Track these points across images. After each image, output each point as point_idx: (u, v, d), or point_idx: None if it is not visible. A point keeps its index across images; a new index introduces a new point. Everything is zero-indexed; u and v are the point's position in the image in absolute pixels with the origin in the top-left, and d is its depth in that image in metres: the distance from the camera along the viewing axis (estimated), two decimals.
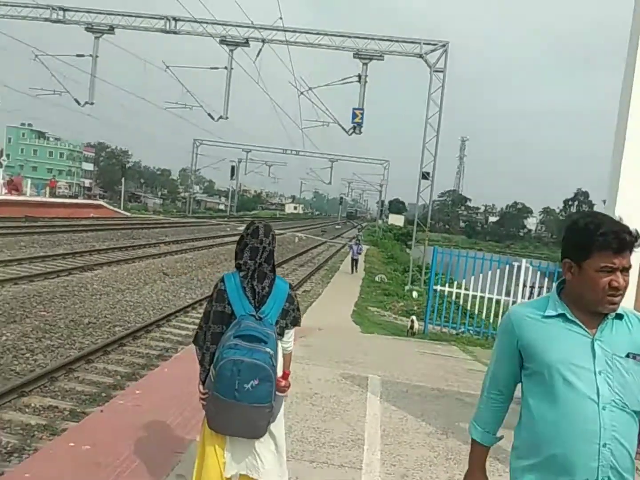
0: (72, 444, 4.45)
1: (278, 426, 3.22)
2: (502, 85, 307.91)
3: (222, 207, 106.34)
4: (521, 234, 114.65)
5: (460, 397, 6.45)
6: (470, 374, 8.15)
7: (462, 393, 6.64)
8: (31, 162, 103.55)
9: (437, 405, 5.98)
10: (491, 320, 14.01)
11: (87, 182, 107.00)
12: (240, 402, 2.90)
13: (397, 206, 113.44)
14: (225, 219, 66.59)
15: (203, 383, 3.17)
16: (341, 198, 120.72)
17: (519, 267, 13.67)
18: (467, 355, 11.28)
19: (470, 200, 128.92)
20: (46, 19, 28.73)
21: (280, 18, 24.25)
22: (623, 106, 3.97)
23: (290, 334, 3.29)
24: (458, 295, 14.38)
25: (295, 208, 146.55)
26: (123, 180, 61.40)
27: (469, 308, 14.45)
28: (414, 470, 4.45)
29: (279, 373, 3.11)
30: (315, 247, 43.17)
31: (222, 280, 3.27)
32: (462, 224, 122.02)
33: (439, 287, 14.39)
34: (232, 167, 72.25)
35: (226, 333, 3.08)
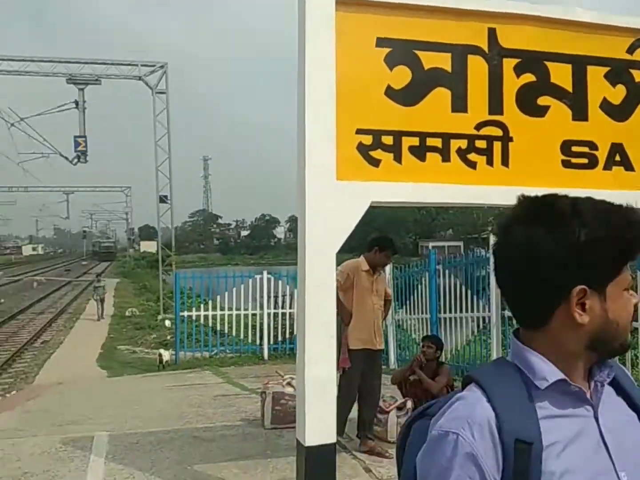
0: None
1: None
2: (235, 102, 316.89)
3: None
4: (272, 243, 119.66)
5: (198, 433, 5.99)
6: (214, 402, 7.75)
7: (199, 429, 6.18)
8: None
9: (171, 451, 5.42)
10: (242, 336, 13.87)
11: None
12: None
13: (148, 232, 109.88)
14: None
15: None
16: (84, 232, 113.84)
17: (262, 279, 13.74)
18: (218, 378, 10.91)
19: (221, 217, 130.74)
20: None
21: None
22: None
23: None
24: (207, 317, 13.94)
25: (34, 249, 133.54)
26: None
27: (219, 328, 14.13)
28: None
29: None
30: (58, 289, 39.53)
31: None
32: (216, 242, 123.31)
33: (185, 313, 13.83)
34: None
35: None
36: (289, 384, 6.22)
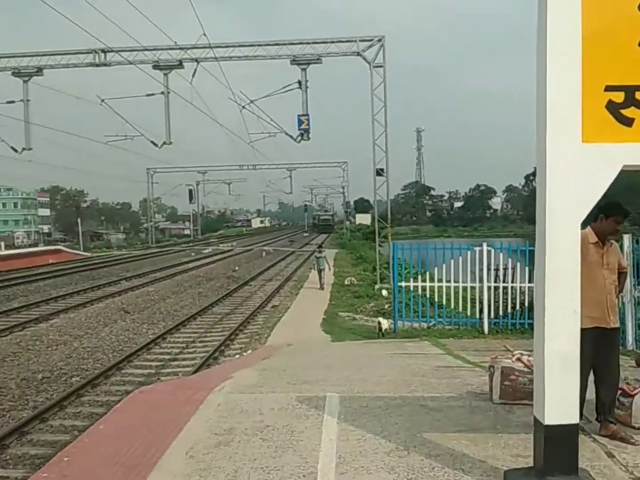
0: None
1: None
2: (448, 73, 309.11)
3: (187, 232, 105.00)
4: (487, 214, 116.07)
5: (425, 402, 6.04)
6: (437, 373, 7.76)
7: (426, 398, 6.22)
8: None
9: (399, 417, 5.55)
10: (460, 309, 13.69)
11: (45, 228, 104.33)
12: None
13: (363, 205, 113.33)
14: (190, 244, 65.67)
15: None
16: (305, 206, 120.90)
17: (481, 252, 13.37)
18: (438, 349, 10.93)
19: (434, 189, 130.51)
20: None
21: (204, 34, 23.76)
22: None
23: None
24: (425, 288, 14.00)
25: (261, 222, 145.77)
26: (79, 220, 60.13)
27: (436, 299, 14.12)
28: None
29: None
30: (284, 258, 42.64)
31: None
32: (428, 214, 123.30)
33: (403, 284, 14.03)
34: (190, 191, 71.38)
35: None
36: (518, 359, 6.00)
